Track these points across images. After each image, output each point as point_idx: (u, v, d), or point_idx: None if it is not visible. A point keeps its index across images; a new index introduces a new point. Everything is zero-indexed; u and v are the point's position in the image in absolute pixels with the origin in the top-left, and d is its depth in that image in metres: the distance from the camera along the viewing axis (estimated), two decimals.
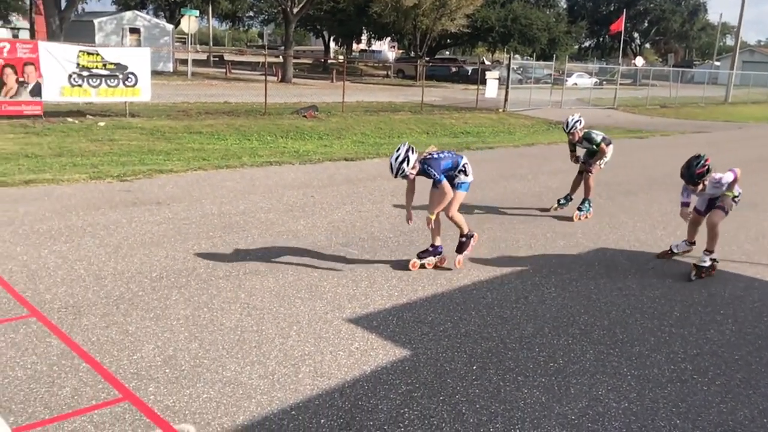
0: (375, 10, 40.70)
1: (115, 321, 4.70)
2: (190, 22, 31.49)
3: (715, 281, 6.36)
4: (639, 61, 43.57)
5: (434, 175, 5.79)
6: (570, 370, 4.40)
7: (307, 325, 4.84)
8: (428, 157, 5.91)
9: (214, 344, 4.45)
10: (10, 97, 13.61)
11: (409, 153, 5.70)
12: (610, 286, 6.05)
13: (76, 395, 3.72)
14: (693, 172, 6.11)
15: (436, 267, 6.29)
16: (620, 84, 33.00)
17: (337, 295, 5.46)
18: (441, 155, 5.96)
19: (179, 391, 3.84)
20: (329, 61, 50.89)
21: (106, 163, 10.60)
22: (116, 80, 14.91)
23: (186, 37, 38.45)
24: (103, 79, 14.70)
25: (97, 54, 14.73)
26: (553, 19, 53.91)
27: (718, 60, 65.68)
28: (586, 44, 76.51)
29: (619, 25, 34.33)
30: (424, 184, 6.18)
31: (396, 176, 5.76)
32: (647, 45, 78.74)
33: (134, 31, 34.38)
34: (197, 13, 35.97)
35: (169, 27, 37.37)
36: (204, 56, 46.49)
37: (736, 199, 6.31)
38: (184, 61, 34.86)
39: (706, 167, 6.09)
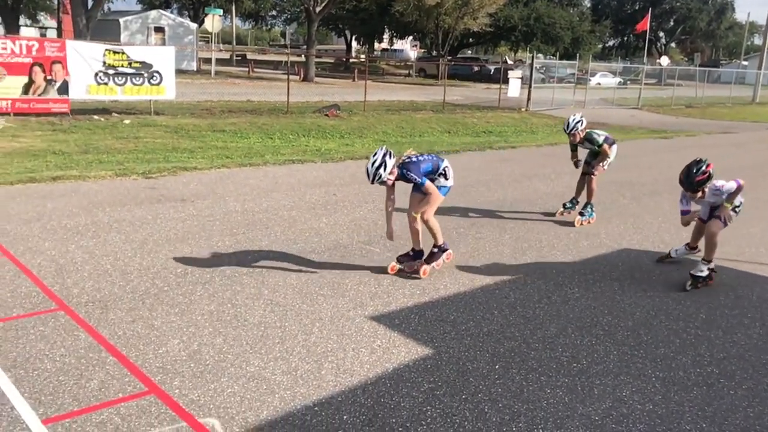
0: (397, 9, 40.73)
1: (141, 316, 4.76)
2: (213, 21, 31.77)
3: (742, 284, 6.27)
4: (664, 60, 43.06)
5: (414, 178, 5.56)
6: (593, 370, 4.36)
7: (329, 322, 4.86)
8: (407, 160, 5.66)
9: (237, 340, 4.49)
10: (39, 95, 13.86)
11: (387, 157, 5.44)
12: (634, 287, 5.99)
13: (104, 388, 3.78)
14: (693, 179, 5.72)
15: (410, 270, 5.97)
16: (645, 84, 32.62)
17: (360, 293, 5.48)
18: (420, 158, 5.73)
19: (204, 385, 3.88)
20: (351, 60, 50.99)
21: (131, 161, 10.74)
22: (141, 78, 15.10)
23: (209, 36, 38.82)
24: (129, 78, 14.90)
25: (123, 53, 14.94)
26: (576, 18, 53.51)
27: (745, 59, 64.64)
28: (610, 43, 75.75)
29: (645, 24, 33.94)
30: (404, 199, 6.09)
31: (373, 182, 5.51)
32: (673, 44, 77.74)
33: (159, 30, 34.78)
34: (221, 12, 36.27)
35: (193, 26, 37.73)
36: (227, 55, 46.88)
37: (737, 209, 5.95)
38: (208, 60, 35.18)
39: (707, 174, 5.70)
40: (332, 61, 53.96)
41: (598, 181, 8.25)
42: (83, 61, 14.20)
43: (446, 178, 5.89)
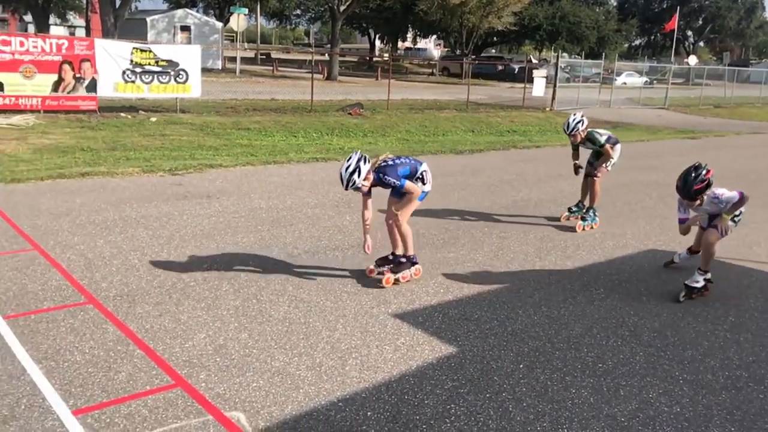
0: (421, 7, 40.61)
1: (167, 310, 4.82)
2: (239, 20, 32.03)
3: None
4: (692, 59, 42.38)
5: (392, 182, 5.28)
6: (619, 371, 4.32)
7: (353, 319, 4.88)
8: (383, 164, 5.37)
9: (262, 335, 4.53)
10: (68, 93, 14.08)
11: (361, 163, 5.14)
12: (661, 289, 5.92)
13: (132, 380, 3.84)
14: (690, 187, 5.31)
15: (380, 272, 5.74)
16: (672, 83, 32.14)
17: (383, 291, 5.48)
18: (398, 161, 5.44)
19: (229, 379, 3.92)
20: (374, 59, 51.03)
21: (157, 158, 10.87)
22: (168, 77, 15.26)
23: (234, 35, 39.13)
24: (155, 76, 15.07)
25: (150, 51, 15.10)
26: (602, 17, 52.96)
27: None
28: (637, 42, 74.79)
29: (673, 23, 33.47)
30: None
31: (347, 188, 5.21)
32: (701, 43, 76.49)
33: (185, 28, 35.13)
34: (246, 10, 36.56)
35: (219, 25, 38.05)
36: (251, 54, 47.21)
37: (736, 219, 5.57)
38: (233, 59, 35.47)
39: (706, 182, 5.28)
40: (356, 59, 54.04)
41: (602, 184, 7.89)
42: (111, 60, 14.39)
43: (424, 183, 5.56)
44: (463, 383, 4.04)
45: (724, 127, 23.23)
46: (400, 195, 5.52)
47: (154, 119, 14.86)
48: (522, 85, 26.04)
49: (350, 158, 5.18)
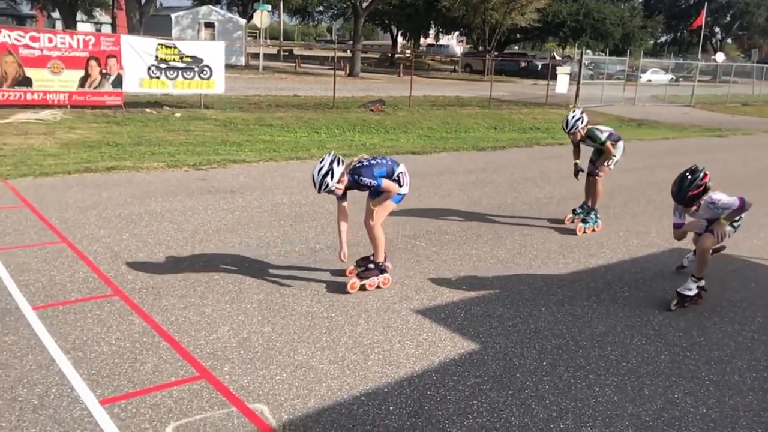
0: (444, 4, 40.50)
1: (192, 303, 4.88)
2: (262, 17, 32.16)
3: None
4: (719, 56, 41.71)
5: (367, 182, 5.02)
6: (644, 370, 4.28)
7: (375, 314, 4.89)
8: (358, 165, 5.11)
9: (286, 328, 4.55)
10: (94, 88, 14.28)
11: (334, 164, 4.88)
12: None
13: (157, 371, 3.89)
14: (684, 193, 5.03)
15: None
16: (698, 81, 31.65)
17: (405, 286, 5.49)
18: (374, 161, 5.18)
19: (253, 372, 3.95)
20: (396, 55, 50.97)
21: (182, 153, 10.98)
22: (192, 73, 15.40)
23: (257, 31, 39.32)
24: (180, 72, 15.21)
25: (175, 47, 15.24)
26: (627, 14, 52.32)
27: None
28: (663, 39, 73.69)
29: (700, 20, 32.94)
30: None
31: (320, 191, 4.97)
32: (729, 40, 75.17)
33: (209, 25, 35.41)
34: (269, 7, 36.68)
35: (242, 21, 38.28)
36: (274, 51, 47.41)
37: (735, 224, 5.33)
38: (256, 55, 35.65)
39: (702, 187, 5.01)
40: (377, 56, 54.05)
41: (605, 183, 7.59)
42: (137, 56, 14.56)
43: (401, 185, 5.28)
44: (486, 380, 4.03)
45: (752, 125, 22.82)
46: (377, 195, 5.27)
47: (178, 115, 15.01)
48: (545, 82, 25.85)
49: (323, 160, 4.91)
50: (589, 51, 43.84)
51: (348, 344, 4.39)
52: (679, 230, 5.46)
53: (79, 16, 40.01)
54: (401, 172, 5.31)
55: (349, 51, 39.57)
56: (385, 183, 5.12)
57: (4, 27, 14.23)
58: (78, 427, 3.32)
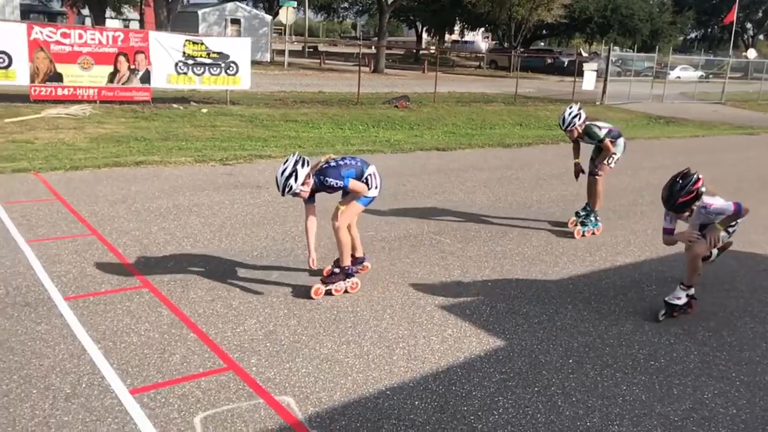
0: (469, 0, 40.27)
1: (219, 295, 4.93)
2: (288, 13, 32.30)
3: None
4: (751, 53, 40.83)
5: (333, 183, 4.80)
6: (672, 370, 4.22)
7: (400, 310, 4.90)
8: (324, 166, 4.89)
9: (311, 322, 4.58)
10: (123, 84, 14.49)
11: (298, 166, 4.64)
12: (717, 287, 5.75)
13: (185, 362, 3.94)
14: (675, 199, 4.69)
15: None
16: (729, 77, 31.07)
17: (430, 282, 5.48)
18: (341, 162, 4.95)
19: (279, 364, 3.99)
20: (421, 51, 50.84)
21: (208, 148, 11.09)
22: (219, 69, 15.54)
23: (283, 27, 39.51)
24: (207, 68, 15.37)
25: (202, 43, 15.40)
26: (656, 9, 51.52)
27: None
28: (692, 35, 72.47)
29: (732, 15, 32.33)
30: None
31: (283, 194, 4.74)
32: (761, 36, 73.60)
33: (235, 21, 35.66)
34: (295, 3, 36.82)
35: (268, 18, 38.48)
36: (299, 47, 47.58)
37: (729, 229, 4.95)
38: (281, 52, 35.82)
39: (694, 193, 4.65)
40: (402, 52, 53.95)
41: (605, 183, 7.20)
42: (164, 52, 14.73)
43: (369, 188, 5.04)
44: (512, 376, 4.02)
45: None
46: (347, 196, 5.08)
47: (205, 110, 15.16)
48: (571, 78, 25.60)
49: (287, 161, 4.68)
50: (616, 47, 43.32)
51: (373, 339, 4.40)
52: (668, 237, 5.05)
53: (108, 12, 40.55)
54: (371, 174, 5.05)
55: (373, 47, 39.57)
56: (353, 184, 4.89)
57: (36, 24, 14.51)
58: (109, 415, 3.38)
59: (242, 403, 3.56)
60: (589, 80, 24.18)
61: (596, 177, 7.04)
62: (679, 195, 4.67)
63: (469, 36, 65.01)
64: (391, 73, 34.31)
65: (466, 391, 3.83)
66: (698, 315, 5.12)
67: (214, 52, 15.39)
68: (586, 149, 7.21)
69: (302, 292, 5.08)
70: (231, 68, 15.73)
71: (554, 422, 3.57)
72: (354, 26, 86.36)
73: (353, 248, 5.36)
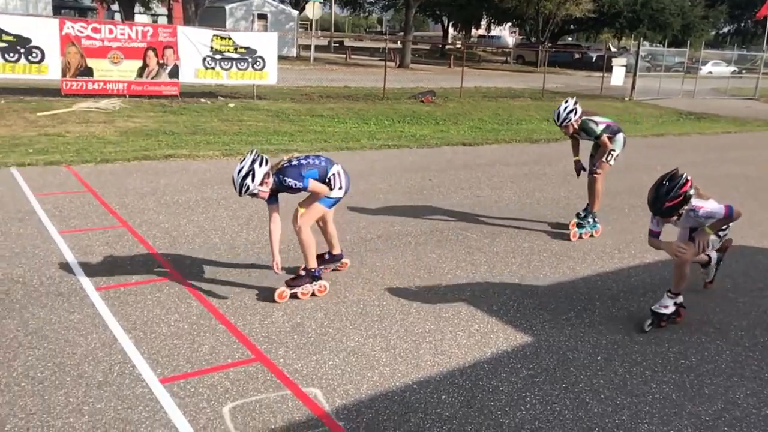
0: None
1: (247, 287, 4.97)
2: (314, 8, 32.39)
3: None
4: None
5: (292, 183, 4.56)
6: (703, 369, 4.16)
7: (426, 304, 4.89)
8: (285, 165, 4.66)
9: (338, 315, 4.60)
10: (151, 78, 14.66)
11: (256, 165, 4.43)
12: (750, 286, 5.64)
13: (214, 353, 3.99)
14: (661, 203, 4.40)
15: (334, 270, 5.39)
16: (763, 73, 30.37)
17: (456, 277, 5.47)
18: (304, 161, 4.72)
19: (306, 356, 4.01)
20: (447, 46, 50.61)
21: (236, 142, 11.18)
22: (246, 63, 15.64)
23: (309, 22, 39.64)
24: (234, 63, 15.47)
25: (230, 38, 15.50)
26: (688, 3, 50.50)
27: None
28: (725, 30, 71.05)
29: (766, 9, 31.61)
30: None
31: (241, 195, 4.54)
32: None
33: (262, 16, 35.83)
34: None
35: (294, 13, 38.60)
36: (325, 42, 47.70)
37: (720, 233, 4.76)
38: (307, 47, 35.95)
39: (681, 197, 4.34)
40: (428, 47, 53.77)
41: (605, 182, 6.87)
42: (192, 47, 14.87)
43: (332, 188, 4.81)
44: (539, 372, 3.99)
45: None
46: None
47: (232, 105, 15.28)
48: (599, 74, 25.27)
49: (244, 159, 4.49)
50: (646, 42, 42.65)
51: (399, 332, 4.40)
52: (654, 240, 4.76)
53: (137, 8, 41.03)
54: (335, 174, 4.82)
55: (399, 42, 39.50)
56: (312, 185, 4.66)
57: (67, 19, 14.74)
58: (140, 403, 3.44)
59: (270, 394, 3.59)
60: (618, 75, 23.84)
61: (595, 176, 6.73)
62: (666, 199, 4.36)
63: (495, 31, 64.52)
64: (417, 68, 34.22)
65: (493, 386, 3.81)
66: (731, 314, 5.04)
67: (241, 47, 15.49)
68: (586, 146, 7.05)
69: (328, 285, 5.09)
70: (258, 63, 15.82)
71: (582, 419, 3.54)
72: (380, 21, 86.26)
73: (330, 246, 5.28)
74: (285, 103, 16.23)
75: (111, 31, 14.06)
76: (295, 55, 34.27)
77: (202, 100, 15.45)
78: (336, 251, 5.35)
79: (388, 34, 35.72)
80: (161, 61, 14.62)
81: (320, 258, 5.28)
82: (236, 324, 4.37)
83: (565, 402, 3.69)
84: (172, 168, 8.79)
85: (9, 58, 13.15)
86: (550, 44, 41.89)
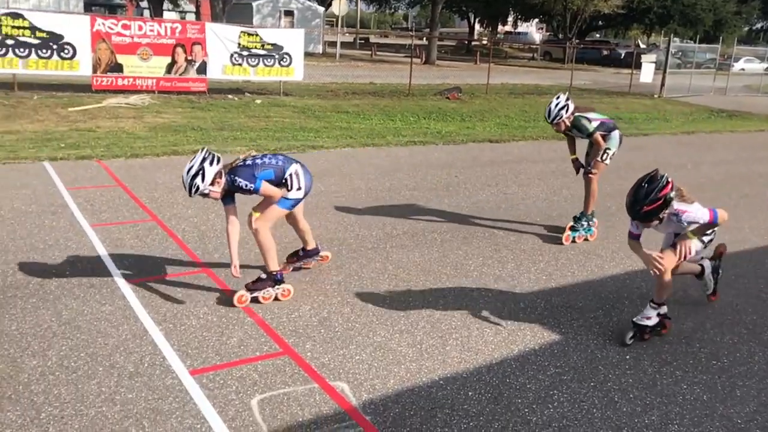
0: None
1: None
2: (340, 5, 32.44)
3: None
4: None
5: (244, 185, 4.33)
6: (736, 370, 4.09)
7: (453, 301, 4.88)
8: (240, 164, 4.43)
9: (364, 310, 4.62)
10: (180, 74, 14.83)
11: (206, 164, 4.21)
12: None
13: (242, 345, 4.03)
14: (639, 207, 4.06)
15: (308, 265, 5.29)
16: None
17: (483, 274, 5.45)
18: (259, 161, 4.48)
19: (333, 350, 4.03)
20: (473, 43, 50.34)
21: (263, 138, 11.25)
22: (272, 60, 15.74)
23: (335, 19, 39.71)
24: (261, 59, 15.58)
25: (257, 35, 15.62)
26: None
27: None
28: (758, 26, 69.54)
29: None
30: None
31: (191, 195, 4.30)
32: None
33: (288, 13, 36.03)
34: None
35: (320, 10, 38.73)
36: (351, 39, 47.77)
37: (705, 238, 4.48)
38: (332, 43, 36.05)
39: (661, 200, 4.00)
40: (454, 44, 53.54)
41: (600, 182, 6.58)
42: (220, 43, 15.01)
43: (289, 189, 4.53)
44: (567, 370, 3.96)
45: None
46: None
47: (258, 101, 15.39)
48: (628, 71, 24.94)
49: (194, 158, 4.26)
50: (676, 38, 41.95)
51: (426, 328, 4.40)
52: (635, 242, 4.41)
53: (166, 5, 41.47)
54: (293, 174, 4.54)
55: (425, 38, 39.38)
56: (265, 188, 4.41)
57: (98, 16, 14.97)
58: (170, 394, 3.49)
59: (298, 387, 3.62)
60: (647, 72, 23.51)
61: (590, 176, 6.43)
62: (644, 202, 4.02)
63: (522, 27, 63.96)
64: (442, 64, 34.10)
65: (520, 383, 3.79)
66: (764, 315, 4.94)
67: (268, 44, 15.59)
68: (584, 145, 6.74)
69: (355, 281, 5.12)
70: (284, 59, 15.92)
71: (611, 418, 3.50)
72: (405, 17, 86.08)
73: (304, 242, 5.15)
74: (311, 100, 16.30)
75: (140, 28, 14.26)
76: (321, 52, 34.39)
77: (230, 96, 15.59)
78: (310, 246, 5.18)
79: (413, 31, 35.65)
80: (189, 58, 14.79)
81: (295, 254, 5.20)
82: (264, 317, 4.41)
83: (594, 401, 3.65)
84: None
85: (42, 55, 13.40)
86: (577, 41, 41.43)
